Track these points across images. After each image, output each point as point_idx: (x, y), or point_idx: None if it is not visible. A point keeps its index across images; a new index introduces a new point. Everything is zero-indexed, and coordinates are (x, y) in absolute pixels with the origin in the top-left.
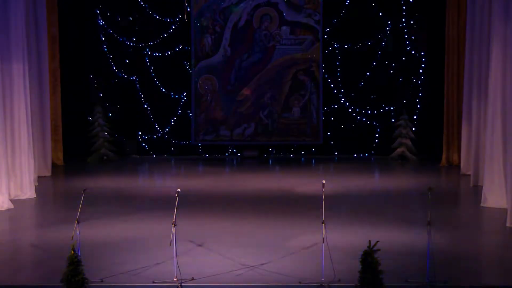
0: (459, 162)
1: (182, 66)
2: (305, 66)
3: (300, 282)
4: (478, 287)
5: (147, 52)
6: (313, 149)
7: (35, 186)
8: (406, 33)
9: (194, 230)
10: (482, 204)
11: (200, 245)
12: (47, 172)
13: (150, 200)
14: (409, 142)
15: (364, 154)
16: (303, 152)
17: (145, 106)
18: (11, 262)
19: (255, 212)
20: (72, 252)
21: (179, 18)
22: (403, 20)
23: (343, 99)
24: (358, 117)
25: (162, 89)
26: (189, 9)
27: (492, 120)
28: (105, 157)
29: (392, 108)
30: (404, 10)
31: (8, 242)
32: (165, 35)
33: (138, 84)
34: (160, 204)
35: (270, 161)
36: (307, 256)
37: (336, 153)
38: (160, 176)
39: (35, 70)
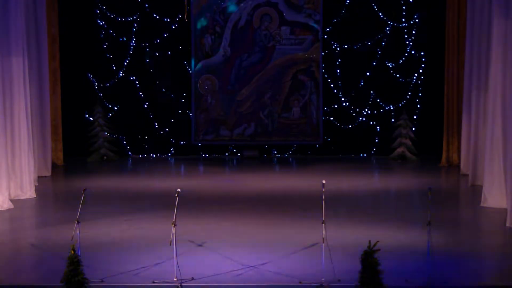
0: (459, 162)
1: (182, 66)
2: (305, 66)
3: (300, 282)
4: (478, 287)
5: (147, 52)
6: (313, 149)
7: (35, 186)
8: (406, 33)
9: (194, 230)
10: (482, 204)
11: (200, 245)
12: (47, 172)
13: (150, 200)
14: (409, 142)
15: (364, 154)
16: (303, 152)
17: (145, 106)
18: (11, 262)
19: (255, 212)
20: (72, 252)
21: (179, 18)
22: (403, 20)
23: (343, 99)
24: (358, 117)
25: (162, 89)
26: (188, 7)
27: (492, 120)
28: (105, 157)
29: (392, 108)
30: (404, 10)
31: (8, 242)
32: (165, 35)
33: (138, 84)
34: (160, 204)
35: (271, 161)
36: (307, 256)
37: (336, 153)
38: (160, 176)
39: (35, 70)
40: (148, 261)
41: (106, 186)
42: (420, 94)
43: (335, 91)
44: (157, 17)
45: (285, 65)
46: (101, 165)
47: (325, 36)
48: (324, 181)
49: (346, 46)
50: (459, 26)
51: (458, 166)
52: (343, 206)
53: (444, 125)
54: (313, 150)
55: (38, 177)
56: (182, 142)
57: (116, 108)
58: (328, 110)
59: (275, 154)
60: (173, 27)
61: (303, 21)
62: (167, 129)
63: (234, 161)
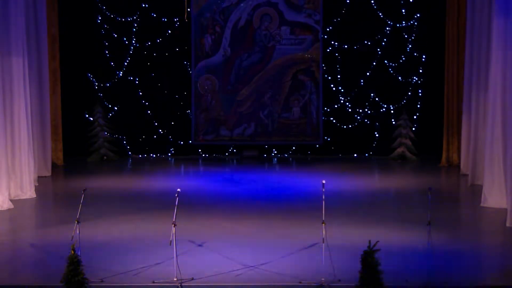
0: (459, 162)
1: (182, 66)
2: (305, 66)
3: (300, 282)
4: (478, 287)
5: (147, 52)
6: (313, 149)
7: (35, 186)
8: (406, 33)
9: (194, 230)
10: (482, 204)
11: (200, 245)
12: (47, 172)
13: (150, 200)
14: (409, 142)
15: (364, 154)
16: (303, 152)
17: (145, 106)
18: (11, 262)
19: (255, 212)
20: (72, 252)
21: (179, 18)
22: (403, 20)
23: (343, 99)
24: (358, 117)
25: (162, 89)
26: (189, 9)
27: (492, 120)
28: (105, 157)
29: (392, 108)
30: (404, 10)
31: (8, 242)
32: (165, 35)
33: (138, 84)
34: (160, 204)
35: (270, 161)
36: (307, 256)
37: (336, 153)
38: (160, 176)
39: (35, 70)
40: (148, 261)
41: (106, 186)
42: (420, 94)
43: (334, 90)
44: (157, 17)
45: (285, 65)
46: (101, 165)
47: (325, 36)
48: (324, 181)
49: (346, 46)
50: (459, 26)
51: (458, 166)
52: (343, 206)
53: (444, 125)
54: (313, 150)
55: (38, 177)
56: (182, 142)
57: (116, 108)
58: (328, 110)
59: (275, 154)
60: (173, 27)
61: (303, 21)
62: (167, 129)
63: (234, 161)
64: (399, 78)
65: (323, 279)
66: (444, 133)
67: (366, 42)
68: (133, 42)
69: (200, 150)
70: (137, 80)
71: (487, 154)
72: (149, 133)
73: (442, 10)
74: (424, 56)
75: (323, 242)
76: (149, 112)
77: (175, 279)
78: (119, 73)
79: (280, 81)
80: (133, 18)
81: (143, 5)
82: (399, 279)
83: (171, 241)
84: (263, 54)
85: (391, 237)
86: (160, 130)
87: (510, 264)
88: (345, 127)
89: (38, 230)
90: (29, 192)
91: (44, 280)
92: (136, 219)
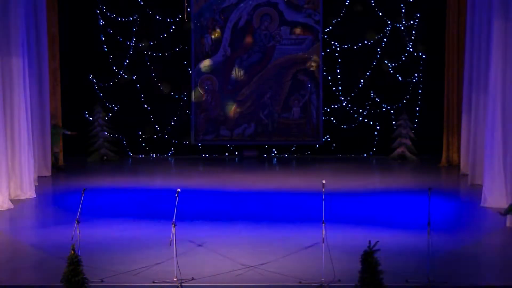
0: (459, 162)
1: (182, 66)
2: (305, 66)
3: (300, 282)
4: (478, 287)
5: (147, 52)
6: (313, 149)
7: (35, 186)
8: (406, 33)
9: (194, 230)
10: (482, 204)
11: (200, 245)
12: (47, 172)
13: (150, 200)
14: (409, 142)
15: (364, 154)
16: (303, 152)
17: (145, 106)
18: (11, 262)
19: (255, 212)
20: (72, 252)
21: (179, 18)
22: (403, 20)
23: (343, 99)
24: (359, 117)
25: (162, 89)
26: (189, 9)
27: (492, 120)
28: (105, 157)
29: (391, 107)
30: (404, 10)
31: (8, 242)
32: (165, 35)
33: (138, 84)
34: (160, 204)
35: (270, 161)
36: (307, 256)
37: (336, 153)
38: (160, 176)
39: (35, 70)
40: (148, 261)
41: (106, 186)
42: (420, 94)
43: (334, 90)
44: (157, 17)
45: (285, 65)
46: (101, 165)
47: (325, 36)
48: (324, 181)
49: (346, 46)
50: (459, 26)
51: (458, 166)
52: (343, 206)
53: (444, 125)
54: (313, 150)
55: (38, 177)
56: (182, 142)
57: (116, 108)
58: (328, 110)
59: (275, 154)
60: (173, 27)
61: (303, 21)
62: (167, 129)
63: (235, 160)
64: (399, 78)
65: (323, 279)
66: (444, 133)
67: (366, 42)
68: (133, 42)
69: (200, 150)
70: (137, 80)
71: (487, 154)
72: (149, 133)
73: (442, 10)
74: (424, 56)
75: (323, 242)
76: (149, 112)
77: (175, 279)
78: (119, 73)
79: (280, 81)
80: (133, 18)
81: (143, 5)
82: (399, 279)
83: (171, 241)
84: (263, 54)
85: (391, 237)
86: (160, 130)
87: (510, 264)
88: (345, 127)
89: (38, 230)
90: (29, 192)
91: (44, 280)
92: (136, 219)
